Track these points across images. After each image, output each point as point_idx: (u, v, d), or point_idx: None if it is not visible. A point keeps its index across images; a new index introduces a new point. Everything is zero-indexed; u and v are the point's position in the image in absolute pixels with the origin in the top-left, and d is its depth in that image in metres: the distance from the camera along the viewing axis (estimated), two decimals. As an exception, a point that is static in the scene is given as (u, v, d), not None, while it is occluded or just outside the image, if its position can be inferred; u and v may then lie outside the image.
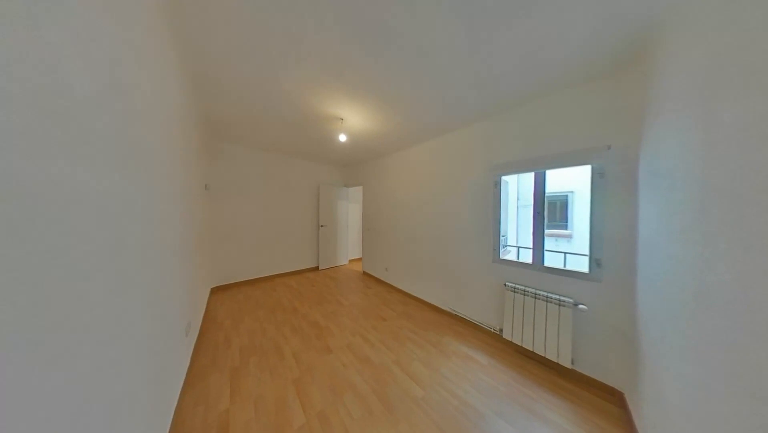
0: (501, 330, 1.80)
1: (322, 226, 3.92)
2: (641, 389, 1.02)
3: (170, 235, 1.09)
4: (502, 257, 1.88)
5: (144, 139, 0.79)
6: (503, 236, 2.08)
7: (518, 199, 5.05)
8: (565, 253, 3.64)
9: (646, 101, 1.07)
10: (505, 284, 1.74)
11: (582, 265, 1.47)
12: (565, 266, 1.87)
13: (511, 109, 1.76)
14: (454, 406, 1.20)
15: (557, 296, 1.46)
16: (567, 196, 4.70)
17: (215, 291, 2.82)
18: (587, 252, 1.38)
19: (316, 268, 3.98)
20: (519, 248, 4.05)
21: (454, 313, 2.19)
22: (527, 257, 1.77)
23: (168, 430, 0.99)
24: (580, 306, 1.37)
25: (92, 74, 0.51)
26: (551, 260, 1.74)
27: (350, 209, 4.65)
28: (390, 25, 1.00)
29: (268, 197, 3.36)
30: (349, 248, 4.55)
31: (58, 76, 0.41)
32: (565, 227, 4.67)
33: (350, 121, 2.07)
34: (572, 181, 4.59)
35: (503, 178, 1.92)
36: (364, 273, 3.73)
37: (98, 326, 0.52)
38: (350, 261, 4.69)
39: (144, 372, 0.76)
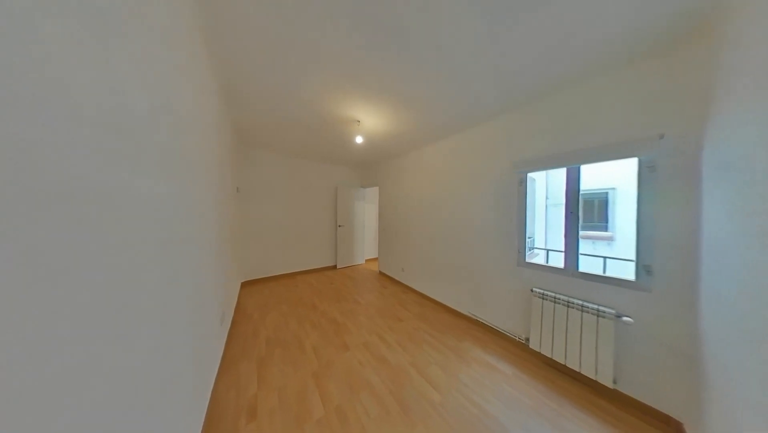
0: (527, 339, 1.67)
1: (339, 226, 4.04)
2: (708, 422, 0.86)
3: (207, 233, 1.21)
4: (528, 260, 1.74)
5: (187, 149, 0.89)
6: (529, 238, 1.93)
7: (547, 197, 4.64)
8: (604, 257, 3.25)
9: (712, 80, 0.91)
10: (532, 290, 1.61)
11: (626, 271, 1.30)
12: (604, 272, 1.67)
13: (538, 101, 1.62)
14: (474, 414, 1.15)
15: (595, 306, 1.30)
16: (607, 193, 4.19)
17: (245, 285, 3.08)
18: (633, 257, 1.21)
19: (334, 266, 4.12)
20: (548, 250, 3.72)
21: (474, 317, 2.09)
22: (558, 260, 1.62)
23: (206, 409, 1.11)
24: (624, 318, 1.21)
25: (148, 95, 0.59)
26: (587, 265, 1.56)
27: (366, 210, 4.72)
28: (405, 25, 0.99)
29: (290, 199, 3.57)
30: (365, 248, 4.63)
31: (123, 99, 0.48)
32: (605, 228, 4.16)
33: (367, 123, 2.10)
34: (613, 177, 4.07)
35: (529, 175, 1.78)
36: (380, 273, 3.76)
37: (153, 312, 0.60)
38: (367, 261, 4.75)
39: (188, 355, 0.86)
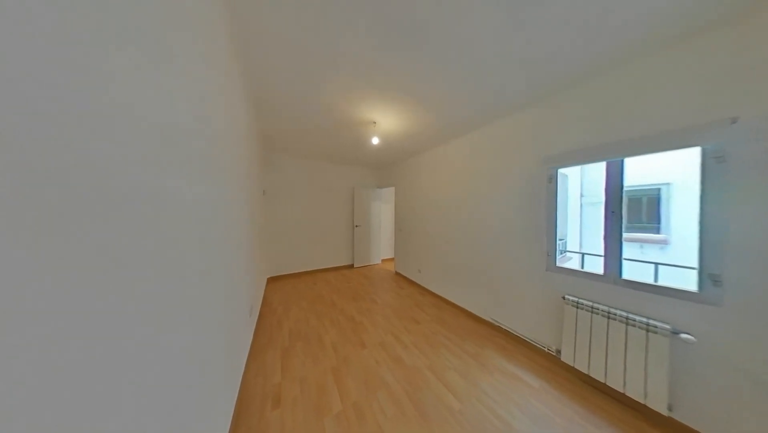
0: (558, 351, 1.52)
1: (356, 226, 4.13)
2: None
3: (238, 231, 1.33)
4: (559, 264, 1.59)
5: (221, 156, 0.99)
6: (561, 240, 1.76)
7: (582, 195, 4.18)
8: (656, 263, 2.82)
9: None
10: (564, 297, 1.47)
11: (685, 280, 1.11)
12: (656, 280, 1.45)
13: (570, 89, 1.47)
14: (496, 427, 1.08)
15: (643, 319, 1.14)
16: (659, 190, 3.64)
17: (270, 280, 3.31)
18: (695, 264, 1.03)
19: (351, 265, 4.22)
20: (583, 254, 3.34)
21: (496, 324, 1.97)
22: (596, 266, 1.45)
23: (237, 392, 1.22)
24: (684, 336, 1.03)
25: (191, 110, 0.67)
26: (633, 272, 1.37)
27: (383, 210, 4.75)
28: (421, 22, 0.98)
29: (310, 200, 3.75)
30: (381, 248, 4.66)
31: (172, 115, 0.56)
32: (657, 230, 3.62)
33: (383, 124, 2.11)
34: (668, 170, 3.52)
35: (560, 171, 1.62)
36: (397, 273, 3.75)
37: (195, 300, 0.68)
38: (383, 261, 4.78)
39: (222, 341, 0.96)
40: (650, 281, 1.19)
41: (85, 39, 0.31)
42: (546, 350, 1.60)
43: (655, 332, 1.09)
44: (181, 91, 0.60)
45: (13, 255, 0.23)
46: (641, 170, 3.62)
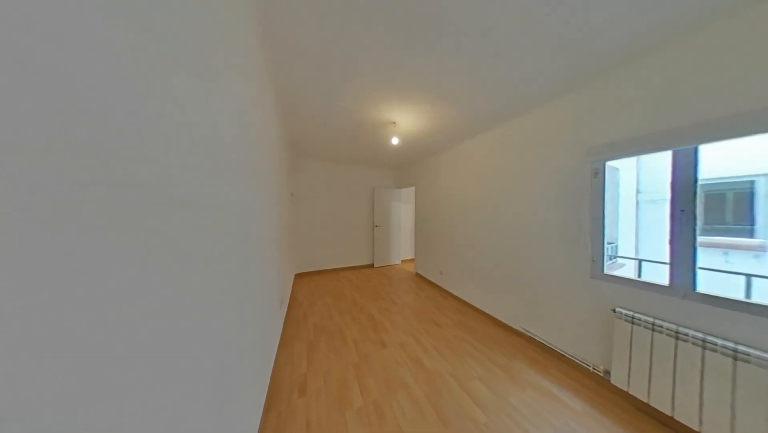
0: (607, 372, 1.32)
1: (376, 226, 4.18)
2: None
3: (270, 231, 1.46)
4: (608, 271, 1.37)
5: (256, 162, 1.10)
6: (610, 244, 1.53)
7: (639, 191, 3.56)
8: (748, 275, 2.26)
9: None
10: (614, 310, 1.27)
11: (796, 299, 0.87)
12: (748, 296, 1.17)
13: (620, 69, 1.27)
14: (530, 449, 0.98)
15: (729, 344, 0.92)
16: (752, 183, 2.91)
17: (297, 276, 3.56)
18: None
19: (372, 265, 4.28)
20: (640, 261, 2.84)
21: (528, 334, 1.79)
22: (658, 274, 1.22)
23: (270, 377, 1.33)
24: (792, 369, 0.80)
25: (232, 123, 0.76)
26: (713, 284, 1.11)
27: (403, 210, 4.73)
28: (440, 11, 0.94)
29: (332, 201, 3.93)
30: (401, 248, 4.63)
31: (217, 128, 0.64)
32: (749, 233, 2.90)
33: (402, 123, 2.10)
34: (763, 159, 2.80)
35: (609, 164, 1.41)
36: (417, 274, 3.68)
37: (235, 292, 0.77)
38: (403, 261, 4.75)
39: (257, 329, 1.06)
40: (739, 296, 0.95)
41: (156, 71, 0.37)
42: (591, 369, 1.40)
43: (747, 362, 0.87)
44: (224, 108, 0.69)
45: (107, 247, 0.28)
46: (724, 160, 2.93)
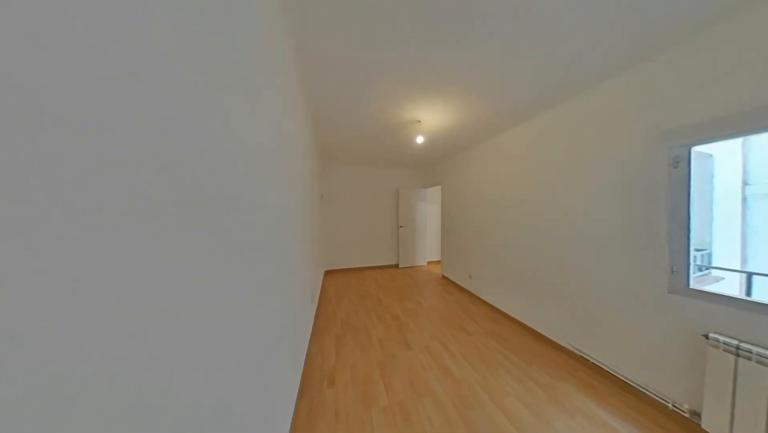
0: (696, 414, 1.04)
1: (401, 226, 4.17)
2: None
3: (303, 230, 1.59)
4: (697, 286, 1.09)
5: (290, 168, 1.21)
6: (700, 251, 1.21)
7: (747, 183, 2.71)
8: None
9: None
10: (707, 336, 0.99)
11: None
12: None
13: (716, 25, 0.98)
14: (581, 488, 0.84)
15: None
16: None
17: (326, 273, 3.79)
18: None
19: (396, 265, 4.28)
20: (749, 274, 2.14)
21: (579, 353, 1.54)
22: (781, 294, 0.92)
23: (303, 365, 1.45)
24: None
25: (271, 134, 0.85)
26: None
27: (428, 210, 4.60)
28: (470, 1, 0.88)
29: (358, 202, 4.07)
30: (427, 249, 4.51)
31: (260, 139, 0.72)
32: None
33: (427, 121, 2.05)
34: None
35: (696, 150, 1.11)
36: (444, 277, 3.53)
37: (275, 284, 0.86)
38: (428, 262, 4.62)
39: (292, 320, 1.17)
40: None
41: (214, 95, 0.45)
42: (670, 406, 1.12)
43: None
44: (265, 122, 0.77)
45: (174, 244, 0.35)
46: None
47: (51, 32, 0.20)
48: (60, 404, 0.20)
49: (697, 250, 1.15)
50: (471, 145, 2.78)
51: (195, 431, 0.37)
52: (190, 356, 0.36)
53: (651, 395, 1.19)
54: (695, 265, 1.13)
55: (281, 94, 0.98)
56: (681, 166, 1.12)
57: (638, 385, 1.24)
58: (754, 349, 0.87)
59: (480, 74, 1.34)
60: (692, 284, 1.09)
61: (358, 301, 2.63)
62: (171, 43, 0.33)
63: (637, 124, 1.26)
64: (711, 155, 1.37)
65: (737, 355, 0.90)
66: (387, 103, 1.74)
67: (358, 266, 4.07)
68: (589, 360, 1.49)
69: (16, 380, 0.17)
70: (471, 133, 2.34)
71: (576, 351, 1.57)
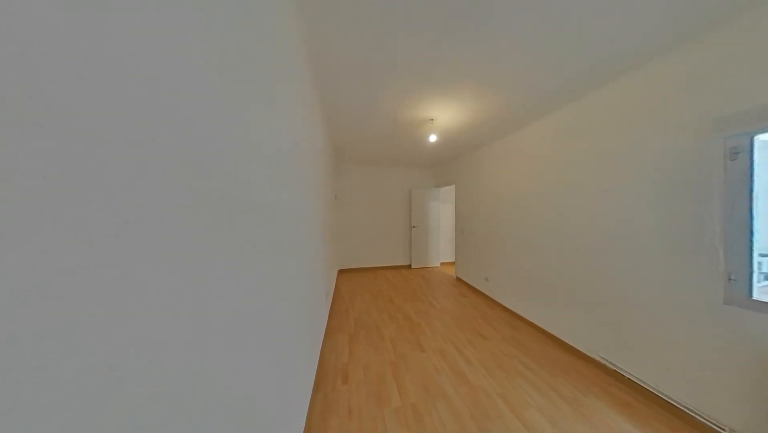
0: (760, 445, 0.89)
1: (413, 227, 4.12)
2: None
3: (317, 229, 1.65)
4: (762, 297, 0.93)
5: (306, 170, 1.26)
6: (766, 257, 1.04)
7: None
8: None
9: None
10: (773, 356, 0.85)
11: None
12: None
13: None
14: None
15: None
16: None
17: (339, 272, 3.87)
18: None
19: (409, 266, 4.25)
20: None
21: (611, 367, 1.40)
22: None
23: (317, 361, 1.50)
24: None
25: (287, 138, 0.89)
26: None
27: (442, 210, 4.49)
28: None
29: (371, 202, 4.10)
30: (440, 250, 4.41)
31: (278, 144, 0.76)
32: None
33: (441, 119, 2.00)
34: None
35: (760, 138, 0.95)
36: (458, 279, 3.43)
37: (292, 281, 0.90)
38: (442, 264, 4.51)
39: (308, 316, 1.21)
40: None
41: (239, 105, 0.48)
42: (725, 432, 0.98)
43: None
44: (282, 126, 0.81)
45: (205, 243, 0.38)
46: None
47: (114, 66, 0.23)
48: (115, 379, 0.22)
49: (763, 255, 0.98)
50: (487, 143, 2.66)
51: (224, 416, 0.40)
52: (216, 346, 0.39)
53: (702, 420, 1.05)
54: (760, 272, 0.97)
55: (296, 98, 1.02)
56: (741, 158, 0.97)
57: (686, 407, 1.10)
58: (843, 376, 0.72)
59: (497, 67, 1.28)
60: (756, 295, 0.94)
61: (371, 300, 2.66)
62: (201, 62, 0.36)
63: (683, 113, 1.12)
64: (781, 144, 1.17)
65: (819, 381, 0.76)
66: (399, 103, 1.73)
67: (370, 265, 4.10)
68: (623, 375, 1.35)
69: (84, 354, 0.20)
70: (487, 130, 2.24)
71: (607, 364, 1.43)
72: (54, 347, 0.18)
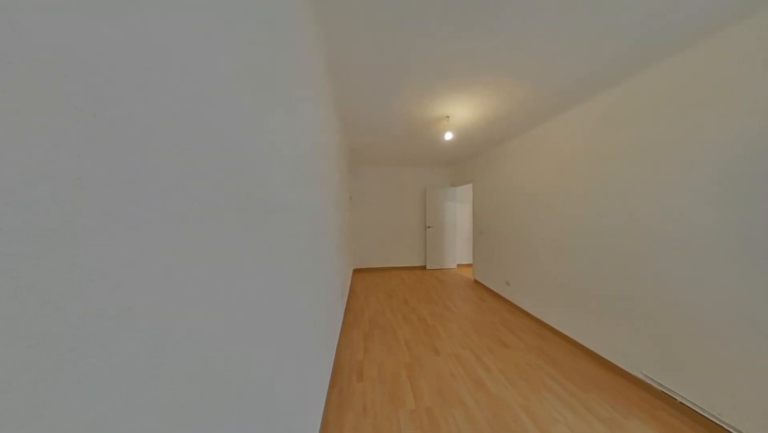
0: None
1: (428, 227, 4.04)
2: None
3: (334, 230, 1.69)
4: None
5: (323, 172, 1.30)
6: None
7: None
8: None
9: None
10: None
11: None
12: None
13: None
14: None
15: None
16: None
17: (355, 271, 3.94)
18: None
19: (424, 267, 4.17)
20: None
21: (657, 387, 1.23)
22: None
23: (334, 357, 1.54)
24: None
25: (305, 144, 0.93)
26: None
27: (458, 210, 4.34)
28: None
29: (385, 203, 4.11)
30: (457, 251, 4.26)
31: (297, 148, 0.80)
32: None
33: (457, 116, 1.94)
34: None
35: None
36: (476, 282, 3.28)
37: (310, 279, 0.94)
38: (458, 266, 4.35)
39: (324, 313, 1.25)
40: None
41: (262, 113, 0.51)
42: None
43: None
44: (301, 132, 0.85)
45: (234, 242, 0.41)
46: None
47: (163, 84, 0.25)
48: (159, 364, 0.25)
49: None
50: (508, 138, 2.51)
51: (248, 399, 0.43)
52: (242, 336, 0.42)
53: (784, 462, 0.86)
54: None
55: (313, 103, 1.06)
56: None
57: (761, 444, 0.92)
58: None
59: (520, 57, 1.20)
60: None
61: (385, 300, 2.66)
62: (230, 75, 0.39)
63: (754, 94, 0.94)
64: None
65: None
66: (414, 102, 1.71)
67: (384, 265, 4.11)
68: (673, 397, 1.17)
69: (139, 335, 0.22)
70: (508, 124, 2.11)
71: (653, 383, 1.25)
72: (114, 327, 0.21)
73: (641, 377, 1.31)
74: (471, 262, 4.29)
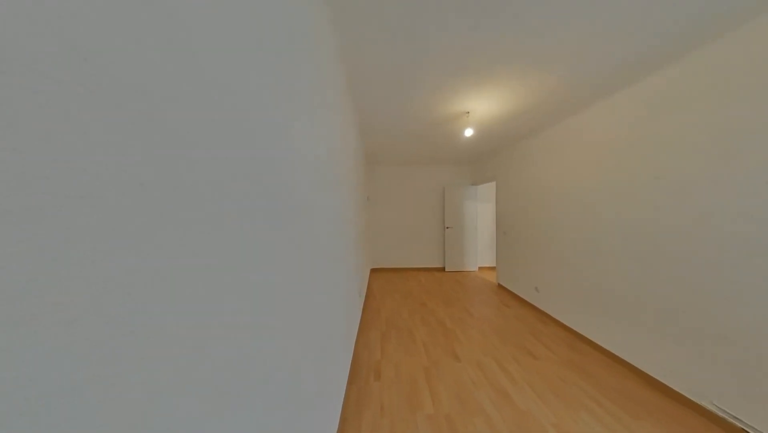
0: None
1: (447, 227, 3.91)
2: None
3: (352, 230, 1.74)
4: None
5: (341, 174, 1.34)
6: None
7: None
8: None
9: None
10: None
11: None
12: None
13: None
14: None
15: None
16: None
17: (372, 271, 3.99)
18: None
19: (443, 269, 4.04)
20: None
21: (735, 423, 1.01)
22: None
23: (352, 355, 1.58)
24: None
25: (327, 147, 0.97)
26: None
27: (480, 210, 4.13)
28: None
29: (403, 203, 4.09)
30: (478, 253, 4.05)
31: (317, 151, 0.84)
32: None
33: (477, 111, 1.85)
34: None
35: None
36: (500, 286, 3.08)
37: (329, 278, 0.98)
38: (480, 268, 4.13)
39: (343, 311, 1.29)
40: None
41: (288, 119, 0.55)
42: None
43: None
44: (321, 135, 0.89)
45: (265, 242, 0.45)
46: None
47: (207, 101, 0.29)
48: (200, 351, 0.29)
49: None
50: (535, 132, 2.31)
51: (275, 389, 0.46)
52: (268, 329, 0.45)
53: None
54: None
55: (332, 109, 1.11)
56: None
57: None
58: None
59: (550, 42, 1.10)
60: None
61: (401, 300, 2.64)
62: (260, 90, 0.43)
63: None
64: None
65: None
66: (432, 99, 1.67)
67: (402, 266, 4.09)
68: (759, 439, 0.95)
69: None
70: (536, 116, 1.94)
71: (727, 417, 1.04)
72: (164, 313, 0.25)
73: (711, 407, 1.10)
74: (494, 265, 4.04)
